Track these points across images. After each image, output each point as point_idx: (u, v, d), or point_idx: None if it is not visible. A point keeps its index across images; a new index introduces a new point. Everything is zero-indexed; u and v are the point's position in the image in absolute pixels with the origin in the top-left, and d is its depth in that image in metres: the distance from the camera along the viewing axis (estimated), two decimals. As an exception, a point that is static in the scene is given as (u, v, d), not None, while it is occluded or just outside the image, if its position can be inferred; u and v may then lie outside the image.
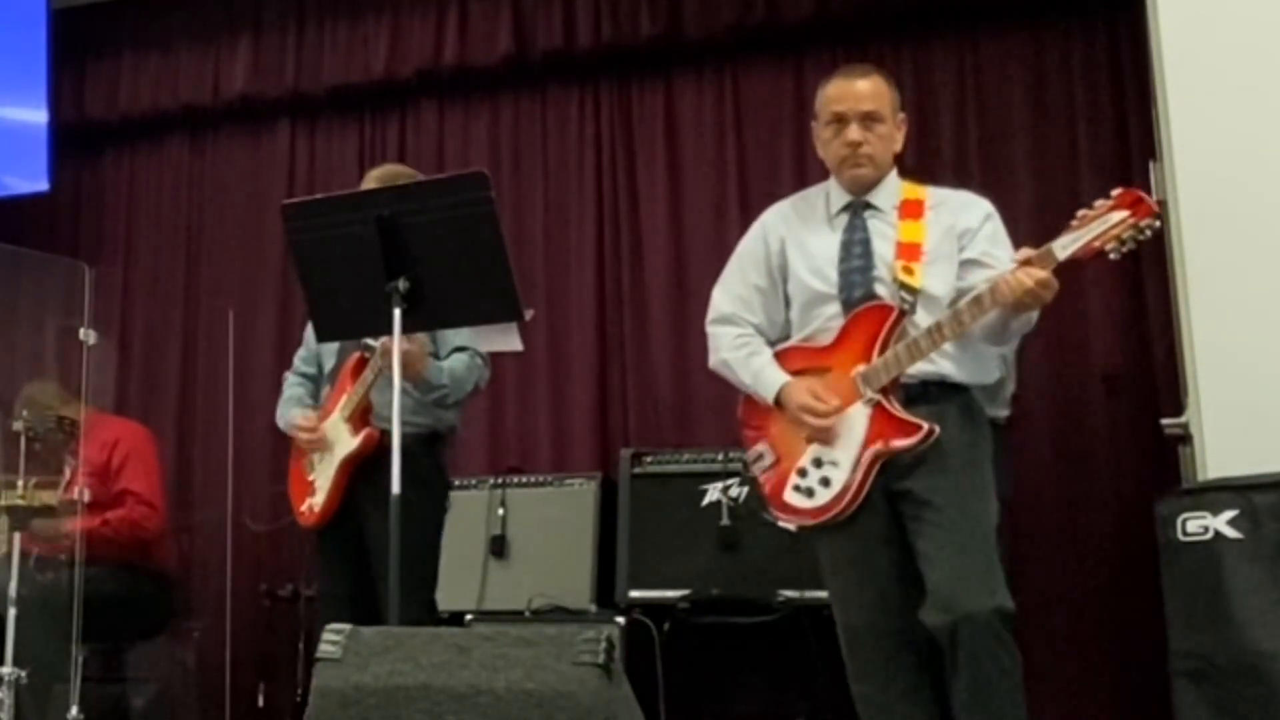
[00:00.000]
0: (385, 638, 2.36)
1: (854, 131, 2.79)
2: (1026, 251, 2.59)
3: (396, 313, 2.76)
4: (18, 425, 3.89)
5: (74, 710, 3.69)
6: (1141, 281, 4.28)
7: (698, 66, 4.94)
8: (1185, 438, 3.28)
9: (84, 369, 4.21)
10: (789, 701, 4.08)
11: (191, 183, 5.59)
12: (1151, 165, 3.54)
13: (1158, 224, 2.55)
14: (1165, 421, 3.44)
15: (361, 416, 3.29)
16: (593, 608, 4.10)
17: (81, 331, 4.04)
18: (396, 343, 2.80)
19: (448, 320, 3.03)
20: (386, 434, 3.17)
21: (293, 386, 3.59)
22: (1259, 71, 3.13)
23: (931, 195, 2.85)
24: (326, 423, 3.37)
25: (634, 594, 4.03)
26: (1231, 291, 3.08)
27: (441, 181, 3.04)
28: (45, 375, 4.37)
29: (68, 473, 4.21)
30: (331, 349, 3.45)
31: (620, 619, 3.95)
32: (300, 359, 3.62)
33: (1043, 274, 2.53)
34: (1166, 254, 3.42)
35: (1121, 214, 2.51)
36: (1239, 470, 2.91)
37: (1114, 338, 4.36)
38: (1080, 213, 2.57)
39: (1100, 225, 2.53)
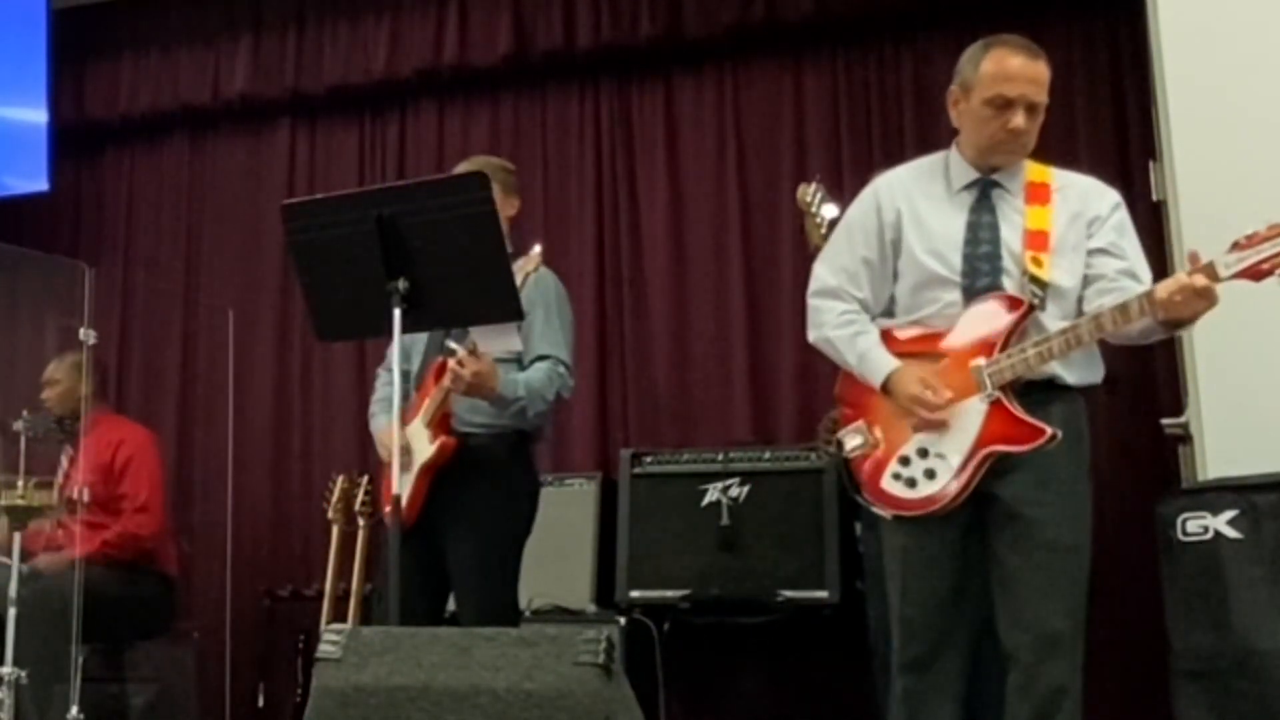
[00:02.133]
0: (385, 638, 2.36)
1: (1021, 119, 2.64)
2: (1188, 262, 2.47)
3: (396, 313, 2.76)
4: (18, 425, 3.90)
5: (74, 710, 3.69)
6: (1141, 281, 4.28)
7: (698, 66, 4.94)
8: (1185, 438, 3.28)
9: (84, 369, 4.21)
10: (789, 701, 4.09)
11: (191, 182, 5.58)
12: (1151, 165, 3.54)
13: None
14: (1165, 421, 3.44)
15: (441, 422, 3.16)
16: (593, 608, 4.10)
17: (81, 331, 4.04)
18: (396, 344, 2.80)
19: (447, 320, 3.02)
20: (466, 438, 3.17)
21: (385, 385, 3.46)
22: (1258, 72, 3.13)
23: (1057, 178, 2.73)
24: (410, 428, 3.24)
25: (634, 594, 4.03)
26: (1232, 292, 3.07)
27: (441, 181, 3.04)
28: (63, 360, 4.34)
29: (64, 463, 4.22)
30: (419, 348, 3.34)
31: (620, 619, 3.95)
32: (397, 357, 3.56)
33: (1205, 281, 2.40)
34: (1166, 254, 3.42)
35: None
36: (1239, 470, 2.91)
37: (1114, 338, 4.35)
38: (1249, 233, 2.44)
39: (1271, 248, 2.41)
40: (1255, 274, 2.43)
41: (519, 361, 3.24)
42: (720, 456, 4.09)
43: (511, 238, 3.32)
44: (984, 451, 2.52)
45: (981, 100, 2.66)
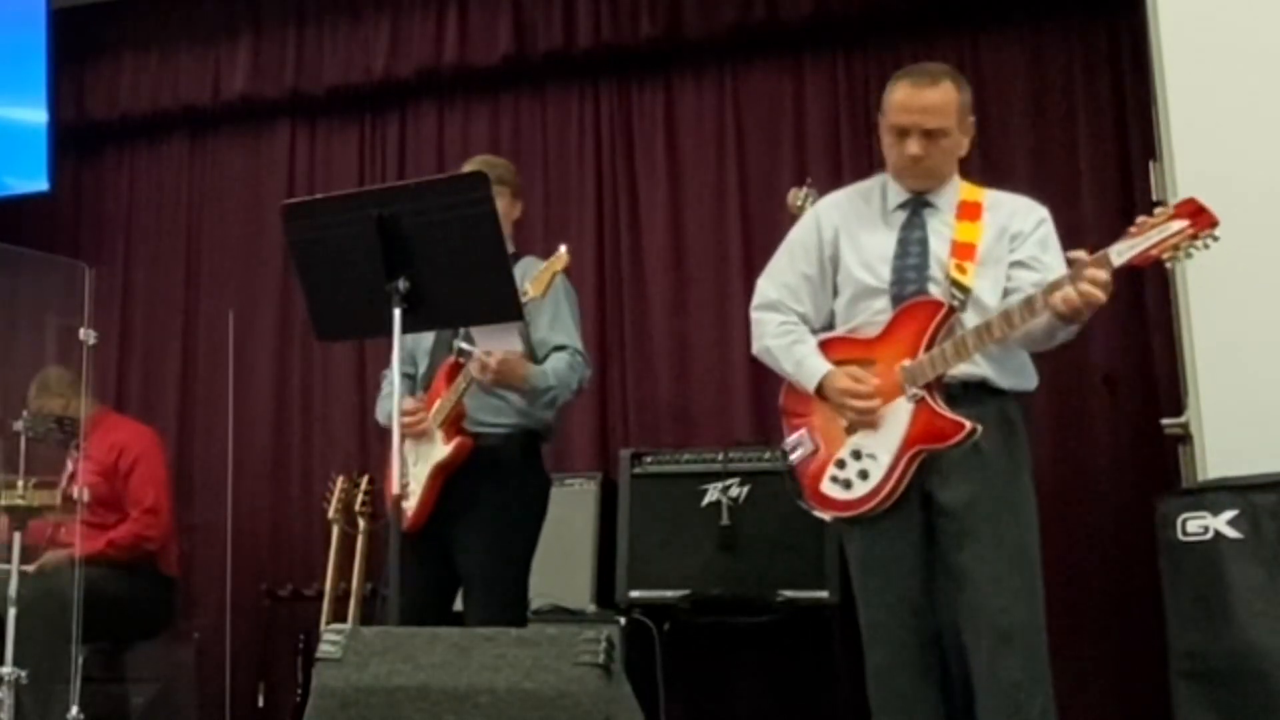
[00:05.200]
0: (385, 638, 2.36)
1: (913, 146, 2.73)
2: (1079, 253, 2.55)
3: (396, 313, 2.76)
4: (18, 425, 3.90)
5: (74, 710, 3.69)
6: (1141, 282, 4.27)
7: (698, 66, 4.94)
8: (1185, 438, 3.28)
9: (84, 369, 4.21)
10: (789, 701, 4.08)
11: (191, 183, 5.58)
12: (1151, 165, 3.54)
13: (1218, 235, 2.51)
14: (1165, 421, 3.44)
15: (454, 423, 3.18)
16: (593, 608, 4.10)
17: (81, 331, 4.04)
18: (396, 344, 2.80)
19: (447, 320, 3.02)
20: (480, 438, 3.18)
21: (391, 384, 3.50)
22: (1259, 71, 3.13)
23: (989, 197, 2.82)
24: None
25: (634, 594, 4.03)
26: (1231, 291, 3.08)
27: (441, 181, 3.04)
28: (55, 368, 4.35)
29: (70, 465, 4.22)
30: (425, 349, 3.36)
31: (620, 619, 3.95)
32: (397, 357, 3.55)
33: (1104, 275, 2.50)
34: (1167, 254, 3.41)
35: (1181, 223, 2.49)
36: (1239, 470, 2.91)
37: (1114, 338, 4.35)
38: (1139, 219, 2.53)
39: (1159, 234, 2.50)
40: (1146, 260, 2.54)
41: (533, 357, 3.24)
42: (720, 456, 4.08)
43: (514, 239, 3.33)
44: (912, 451, 2.63)
45: (886, 128, 2.80)
